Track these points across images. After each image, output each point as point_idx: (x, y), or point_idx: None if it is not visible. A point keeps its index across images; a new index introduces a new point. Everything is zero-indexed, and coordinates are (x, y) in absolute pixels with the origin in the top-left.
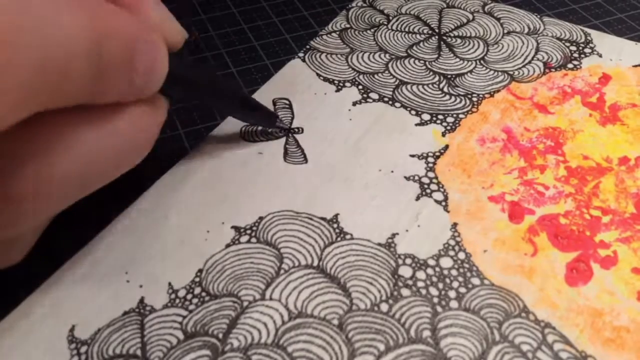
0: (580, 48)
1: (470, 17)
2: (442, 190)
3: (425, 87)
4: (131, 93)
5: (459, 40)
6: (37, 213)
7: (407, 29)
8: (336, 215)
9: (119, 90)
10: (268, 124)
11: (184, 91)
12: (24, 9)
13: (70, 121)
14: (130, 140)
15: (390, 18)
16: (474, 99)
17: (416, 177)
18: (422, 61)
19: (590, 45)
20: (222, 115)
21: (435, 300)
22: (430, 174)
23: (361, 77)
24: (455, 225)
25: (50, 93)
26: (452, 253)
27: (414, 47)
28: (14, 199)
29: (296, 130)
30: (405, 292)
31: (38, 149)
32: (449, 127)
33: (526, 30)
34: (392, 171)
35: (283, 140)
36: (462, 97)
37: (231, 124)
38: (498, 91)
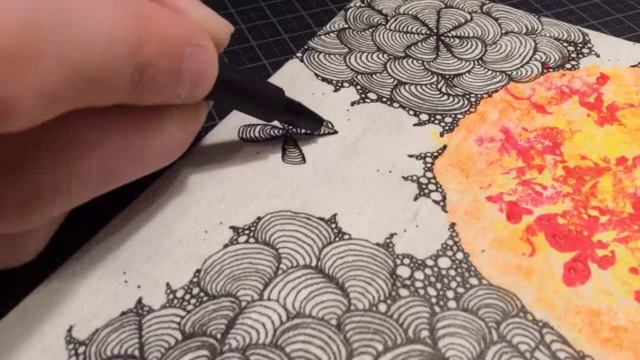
0: (578, 48)
1: (468, 17)
2: (440, 190)
3: (423, 87)
4: (177, 99)
5: (457, 41)
6: (56, 206)
7: (405, 29)
8: (334, 215)
9: (164, 94)
10: (313, 128)
11: (229, 96)
12: (54, 6)
13: (107, 119)
14: (168, 142)
15: (389, 18)
16: (472, 99)
17: (414, 177)
18: (420, 61)
19: (588, 45)
20: (267, 120)
21: (434, 300)
22: (429, 174)
23: (359, 77)
24: (453, 225)
25: (82, 93)
26: (450, 253)
27: (412, 47)
28: (37, 191)
29: (332, 131)
30: (403, 292)
31: (61, 145)
32: (447, 127)
33: (524, 30)
34: (390, 171)
35: (281, 140)
36: (460, 97)
37: (230, 125)
38: (496, 91)
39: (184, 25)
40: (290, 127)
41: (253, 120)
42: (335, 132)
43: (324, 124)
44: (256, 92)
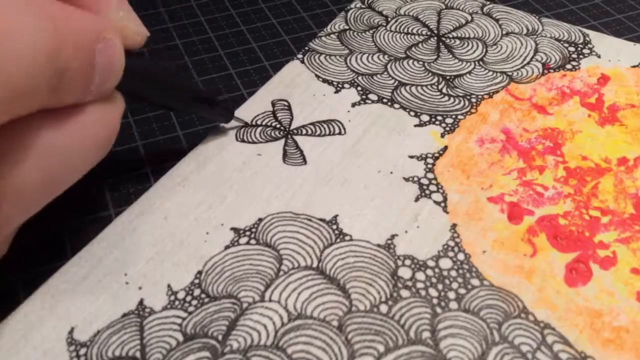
0: (579, 49)
1: (469, 18)
2: (441, 191)
3: (424, 88)
4: (90, 94)
5: (457, 42)
6: (10, 218)
7: (405, 30)
8: (335, 217)
9: (78, 92)
10: (225, 120)
11: (139, 87)
12: None
13: (31, 125)
14: (92, 137)
15: (389, 19)
16: (473, 100)
17: (415, 178)
18: (421, 62)
19: (589, 46)
20: (179, 113)
21: (435, 301)
22: (430, 175)
23: (360, 78)
24: (454, 226)
25: (12, 104)
26: (451, 254)
27: (413, 49)
28: None
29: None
30: (404, 293)
31: (1, 155)
32: (448, 128)
33: (525, 31)
34: (391, 172)
35: (282, 141)
36: (461, 98)
37: (230, 126)
38: (497, 92)
39: (93, 22)
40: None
41: (253, 121)
42: (247, 123)
43: (235, 117)
44: (165, 80)
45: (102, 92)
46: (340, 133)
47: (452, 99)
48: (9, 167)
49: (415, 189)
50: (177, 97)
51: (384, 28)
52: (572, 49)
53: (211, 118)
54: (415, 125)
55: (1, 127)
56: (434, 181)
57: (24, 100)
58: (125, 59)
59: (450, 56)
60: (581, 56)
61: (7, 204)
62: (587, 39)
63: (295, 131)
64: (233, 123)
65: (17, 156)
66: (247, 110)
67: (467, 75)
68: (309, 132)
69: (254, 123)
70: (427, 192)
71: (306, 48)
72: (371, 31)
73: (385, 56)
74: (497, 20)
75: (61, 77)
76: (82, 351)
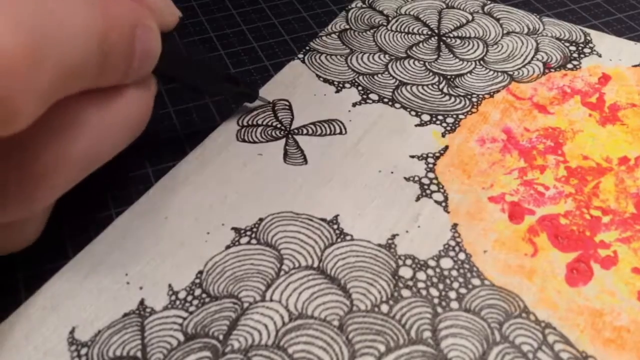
0: (580, 48)
1: (470, 17)
2: (442, 190)
3: (424, 87)
4: (130, 76)
5: (458, 41)
6: (56, 188)
7: (406, 30)
8: (336, 216)
9: (120, 75)
10: (250, 99)
11: (174, 69)
12: (45, 13)
13: (80, 103)
14: (130, 116)
15: (390, 19)
16: (474, 100)
17: (416, 178)
18: (421, 62)
19: (590, 45)
20: (209, 93)
21: (436, 301)
22: (430, 175)
23: (361, 78)
24: (455, 225)
25: (68, 84)
26: (452, 254)
27: (414, 48)
28: (37, 176)
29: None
30: (405, 293)
31: (55, 129)
32: (448, 128)
33: (525, 30)
34: (392, 172)
35: (283, 141)
36: (462, 98)
37: (231, 126)
38: (498, 91)
39: (133, 9)
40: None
41: (254, 120)
42: (269, 102)
43: (259, 97)
44: (195, 62)
45: (140, 75)
46: (341, 133)
47: (453, 99)
48: (62, 140)
49: (416, 188)
50: (205, 78)
51: (384, 27)
52: (573, 48)
53: (236, 99)
54: (416, 125)
55: (56, 104)
56: (434, 181)
57: (77, 80)
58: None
59: (451, 56)
60: (582, 55)
61: (57, 174)
62: (588, 38)
63: (296, 131)
64: (256, 103)
65: (69, 131)
66: (247, 110)
67: (468, 74)
68: (310, 131)
69: (255, 123)
70: (428, 191)
71: (307, 48)
72: (372, 31)
73: (386, 56)
74: (498, 20)
75: (107, 59)
76: (83, 351)
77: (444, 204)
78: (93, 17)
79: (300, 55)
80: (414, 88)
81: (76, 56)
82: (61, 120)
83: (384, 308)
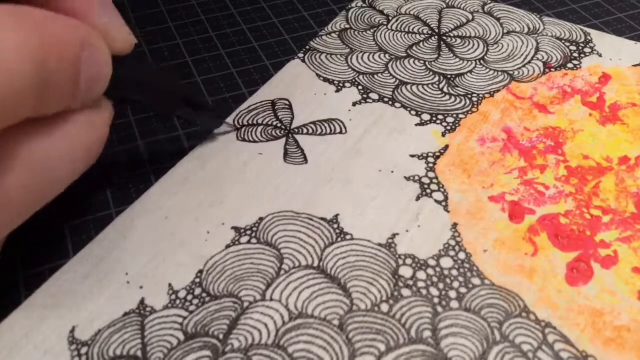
0: (580, 48)
1: (470, 17)
2: (442, 190)
3: (425, 87)
4: (76, 101)
5: (458, 41)
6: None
7: (407, 30)
8: (336, 216)
9: (64, 101)
10: (213, 125)
11: (127, 92)
12: None
13: (18, 135)
14: (80, 144)
15: (390, 18)
16: (474, 99)
17: (416, 178)
18: (422, 61)
19: (590, 45)
20: (167, 113)
21: (436, 300)
22: (431, 174)
23: (361, 77)
24: (455, 225)
25: (1, 117)
26: (452, 253)
27: (414, 48)
28: None
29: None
30: (405, 292)
31: None
32: (449, 128)
33: (526, 30)
34: (393, 171)
35: (283, 140)
36: (462, 97)
37: (219, 132)
38: (498, 91)
39: (77, 30)
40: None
41: (254, 120)
42: (237, 128)
43: (225, 122)
44: (153, 86)
45: (88, 100)
46: (341, 132)
47: (453, 98)
48: (3, 172)
49: (416, 188)
50: (162, 102)
51: (385, 27)
52: (573, 48)
53: (199, 123)
54: (416, 125)
55: None
56: (435, 180)
57: (11, 112)
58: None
59: (452, 55)
60: (582, 55)
61: (12, 204)
62: (589, 38)
63: (296, 130)
64: (223, 128)
65: (4, 166)
66: (247, 110)
67: (469, 74)
68: (310, 131)
69: (255, 122)
70: (428, 191)
71: (307, 47)
72: (372, 30)
73: (386, 55)
74: (498, 19)
75: (47, 87)
76: (84, 350)
77: (444, 204)
78: (27, 40)
79: (301, 55)
80: (415, 87)
81: (8, 86)
82: None
83: (384, 307)
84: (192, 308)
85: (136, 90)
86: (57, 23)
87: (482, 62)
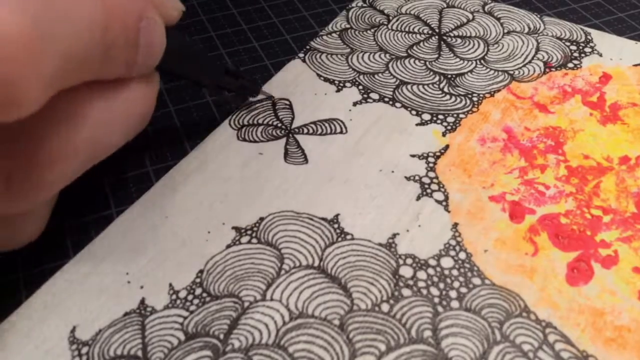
0: (581, 47)
1: (471, 16)
2: (442, 190)
3: (425, 87)
4: (134, 70)
5: (459, 40)
6: (60, 178)
7: (407, 29)
8: (337, 216)
9: (123, 68)
10: (252, 93)
11: (176, 65)
12: (49, 3)
13: (83, 94)
14: (134, 110)
15: (391, 18)
16: (475, 99)
17: (417, 177)
18: (422, 61)
19: (591, 44)
20: (209, 89)
21: (436, 300)
22: (431, 174)
23: (361, 77)
24: (456, 225)
25: (71, 75)
26: (452, 253)
27: (414, 47)
28: (42, 165)
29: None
30: (406, 292)
31: (60, 119)
32: (449, 127)
33: (526, 29)
34: (393, 171)
35: (283, 140)
36: (463, 97)
37: (232, 126)
38: (498, 91)
39: (136, 1)
40: (229, 92)
41: (254, 120)
42: (272, 96)
43: (261, 91)
44: (198, 58)
45: (144, 69)
46: (341, 132)
47: (453, 98)
48: (66, 130)
49: (416, 188)
50: (207, 72)
51: (385, 27)
52: (573, 47)
53: (239, 92)
54: (416, 124)
55: (58, 95)
56: (435, 180)
57: (80, 70)
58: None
59: (452, 55)
60: (583, 55)
61: (62, 163)
62: (589, 37)
63: (296, 130)
64: (259, 96)
65: (73, 121)
66: (248, 109)
67: (469, 74)
68: (311, 131)
69: (255, 122)
70: (429, 191)
71: (307, 47)
72: (372, 30)
73: (387, 55)
74: (498, 19)
75: (109, 51)
76: (84, 350)
77: (444, 203)
78: (95, 9)
79: (301, 55)
80: (415, 87)
81: (79, 47)
82: (66, 110)
83: (385, 307)
84: (192, 308)
85: (185, 62)
86: None
87: (482, 61)
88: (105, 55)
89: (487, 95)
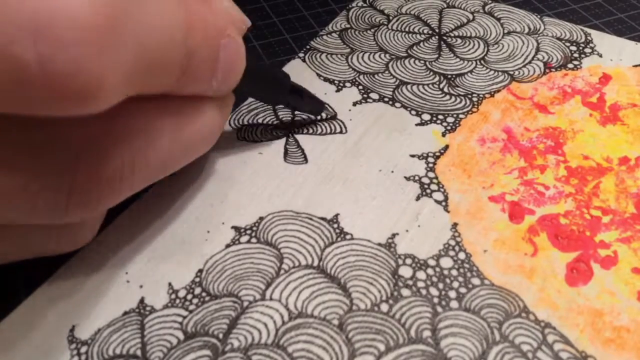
0: (581, 48)
1: (471, 17)
2: (442, 190)
3: (425, 87)
4: (212, 88)
5: (459, 40)
6: (121, 195)
7: (407, 29)
8: (336, 216)
9: (201, 84)
10: (316, 112)
11: (249, 84)
12: None
13: (156, 110)
14: (204, 131)
15: (391, 18)
16: (474, 99)
17: (416, 177)
18: (422, 61)
19: (591, 45)
20: (274, 103)
21: (436, 300)
22: (431, 174)
23: (361, 77)
24: (455, 225)
25: (147, 78)
26: (452, 253)
27: (414, 47)
28: (104, 180)
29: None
30: (405, 292)
31: (130, 133)
32: (449, 127)
33: (526, 30)
34: (392, 171)
35: (283, 140)
36: (462, 97)
37: (232, 125)
38: (498, 91)
39: (219, 16)
40: (295, 110)
41: (254, 119)
42: (335, 114)
43: (325, 106)
44: (266, 76)
45: (222, 90)
46: (341, 132)
47: (453, 98)
48: (135, 147)
49: (416, 188)
50: (273, 90)
51: (385, 27)
52: (573, 48)
53: (303, 110)
54: (416, 124)
55: (130, 106)
56: (435, 180)
57: (159, 75)
58: None
59: (452, 55)
60: (583, 55)
61: (124, 181)
62: (589, 38)
63: (296, 130)
64: (325, 112)
65: (144, 137)
66: (248, 109)
67: (469, 74)
68: (310, 131)
69: (255, 122)
70: (428, 191)
71: (307, 47)
72: (372, 30)
73: (387, 55)
74: (498, 19)
75: (190, 60)
76: (83, 349)
77: (444, 204)
78: (178, 8)
79: (301, 54)
80: (415, 87)
81: (160, 43)
82: (138, 124)
83: (384, 307)
84: (191, 307)
85: (253, 81)
86: (199, 5)
87: (482, 62)
88: (186, 62)
89: (487, 95)
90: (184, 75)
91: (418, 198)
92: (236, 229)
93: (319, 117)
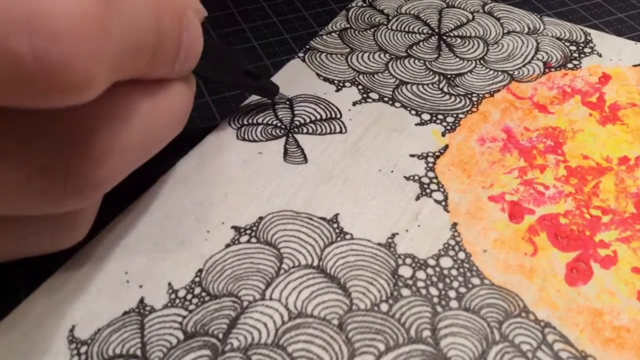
0: (580, 48)
1: (470, 16)
2: (442, 190)
3: (425, 87)
4: (175, 69)
5: (458, 40)
6: (112, 176)
7: (406, 29)
8: (336, 215)
9: (167, 65)
10: (270, 94)
11: (206, 65)
12: None
13: (130, 91)
14: (176, 110)
15: (390, 18)
16: (474, 99)
17: (416, 177)
18: (422, 61)
19: (590, 45)
20: (228, 87)
21: (435, 300)
22: (430, 174)
23: (361, 77)
24: (455, 225)
25: (128, 64)
26: (452, 253)
27: (414, 47)
28: (95, 160)
29: (288, 103)
30: (405, 292)
31: (111, 115)
32: (448, 127)
33: (526, 30)
34: (392, 171)
35: (283, 140)
36: (462, 97)
37: (231, 125)
38: (498, 91)
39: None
40: (250, 92)
41: (254, 119)
42: (288, 99)
43: (279, 93)
44: (222, 59)
45: (184, 70)
46: (341, 132)
47: (453, 98)
48: (117, 126)
49: (416, 187)
50: (226, 72)
51: (385, 26)
52: (573, 47)
53: (257, 93)
54: (416, 124)
55: (111, 90)
56: (434, 180)
57: (135, 60)
58: None
59: (451, 55)
60: (582, 55)
61: (114, 160)
62: (589, 37)
63: (296, 130)
64: (276, 98)
65: (123, 118)
66: (247, 109)
67: (468, 74)
68: (310, 130)
69: (255, 122)
70: (428, 191)
71: (307, 46)
72: (372, 30)
73: (386, 55)
74: (498, 19)
75: (160, 43)
76: (83, 349)
77: (443, 203)
78: None
79: (301, 54)
80: (414, 87)
81: (138, 30)
82: (116, 106)
83: (384, 307)
84: (191, 307)
85: (212, 63)
86: None
87: (482, 61)
88: (157, 47)
89: (487, 95)
90: (154, 58)
91: (418, 198)
92: (236, 228)
93: (272, 99)
